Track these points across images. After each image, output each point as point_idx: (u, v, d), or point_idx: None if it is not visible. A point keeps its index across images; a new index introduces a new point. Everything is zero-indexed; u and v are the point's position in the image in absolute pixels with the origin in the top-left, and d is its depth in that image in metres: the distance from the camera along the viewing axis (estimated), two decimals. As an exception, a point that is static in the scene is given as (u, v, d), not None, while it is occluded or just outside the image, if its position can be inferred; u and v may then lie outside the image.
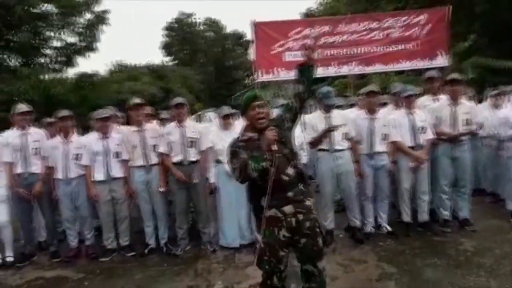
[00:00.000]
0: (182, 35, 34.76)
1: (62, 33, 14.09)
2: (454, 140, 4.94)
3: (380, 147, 4.94)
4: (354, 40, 9.38)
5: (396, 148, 4.97)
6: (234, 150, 2.82)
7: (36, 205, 5.14)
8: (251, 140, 2.80)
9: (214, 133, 5.18)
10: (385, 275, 3.97)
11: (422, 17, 9.27)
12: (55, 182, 5.02)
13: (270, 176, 2.66)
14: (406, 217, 5.01)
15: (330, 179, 4.83)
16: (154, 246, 5.07)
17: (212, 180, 4.98)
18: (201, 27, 36.30)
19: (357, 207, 5.02)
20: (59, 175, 4.96)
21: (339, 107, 5.63)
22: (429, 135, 4.92)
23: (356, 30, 9.36)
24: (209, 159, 5.02)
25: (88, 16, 14.21)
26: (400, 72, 12.55)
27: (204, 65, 34.35)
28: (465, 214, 5.06)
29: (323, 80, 12.83)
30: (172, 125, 5.04)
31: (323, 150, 4.82)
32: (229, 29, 37.00)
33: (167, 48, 35.23)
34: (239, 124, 5.13)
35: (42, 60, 14.42)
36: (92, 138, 5.11)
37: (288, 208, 2.78)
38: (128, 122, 5.56)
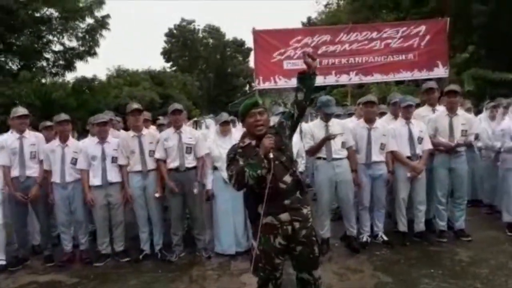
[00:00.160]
0: (182, 42, 34.95)
1: (62, 37, 14.18)
2: (451, 151, 4.96)
3: (377, 156, 4.95)
4: (354, 49, 9.40)
5: (394, 158, 4.99)
6: (232, 156, 2.82)
7: (31, 209, 5.11)
8: (249, 146, 2.81)
9: (211, 140, 5.19)
10: (380, 284, 3.95)
11: (422, 28, 9.30)
12: (51, 186, 5.01)
13: (267, 183, 2.66)
14: (402, 227, 5.01)
15: (328, 188, 4.83)
16: (149, 252, 5.04)
17: (209, 186, 4.98)
18: (202, 34, 36.52)
19: (354, 216, 5.02)
20: (56, 179, 4.95)
21: (338, 116, 5.65)
22: (427, 145, 4.94)
23: (356, 40, 9.40)
24: (206, 166, 5.01)
25: (89, 21, 14.31)
26: (399, 82, 12.60)
27: (204, 72, 34.52)
28: (461, 225, 5.07)
29: (322, 88, 12.90)
30: (169, 131, 5.05)
31: (322, 158, 4.83)
32: (229, 36, 37.22)
33: (167, 54, 35.41)
34: (237, 131, 5.17)
35: (42, 64, 14.49)
36: (89, 143, 5.11)
37: (285, 216, 2.77)
38: (126, 127, 5.57)
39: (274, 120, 3.74)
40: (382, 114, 5.55)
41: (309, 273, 2.89)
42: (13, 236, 5.18)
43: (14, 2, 12.49)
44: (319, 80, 9.55)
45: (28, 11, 12.97)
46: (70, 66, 14.64)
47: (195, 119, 8.85)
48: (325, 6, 26.64)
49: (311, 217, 2.89)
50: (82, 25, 14.35)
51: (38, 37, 14.07)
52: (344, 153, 4.84)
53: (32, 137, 5.10)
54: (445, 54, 9.33)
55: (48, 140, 5.23)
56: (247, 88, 35.32)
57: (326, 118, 4.83)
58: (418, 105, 5.42)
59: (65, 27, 14.06)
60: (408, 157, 4.92)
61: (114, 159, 4.98)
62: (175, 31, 35.84)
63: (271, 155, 2.68)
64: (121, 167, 5.00)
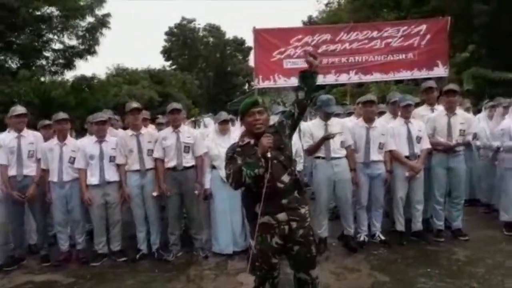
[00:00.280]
0: (182, 40, 34.96)
1: (63, 35, 14.17)
2: (449, 150, 4.94)
3: (376, 156, 4.94)
4: (354, 48, 9.37)
5: (392, 157, 4.98)
6: (231, 155, 2.82)
7: (27, 208, 5.10)
8: (248, 145, 2.80)
9: (210, 138, 5.18)
10: (377, 284, 3.95)
11: (422, 28, 9.27)
12: (49, 185, 5.00)
13: (264, 182, 2.65)
14: (400, 226, 5.00)
15: (326, 187, 4.82)
16: (146, 252, 5.03)
17: (206, 185, 4.97)
18: (202, 33, 36.53)
19: (352, 215, 5.01)
20: (53, 178, 4.94)
21: (337, 115, 5.64)
22: (425, 144, 4.93)
23: (356, 39, 9.37)
24: (205, 165, 5.00)
25: (89, 19, 14.29)
26: (399, 81, 12.58)
27: (204, 71, 34.54)
28: (459, 224, 5.06)
29: (321, 87, 12.88)
30: (167, 130, 5.05)
31: (321, 157, 4.82)
32: (230, 35, 37.21)
33: (167, 53, 35.41)
34: (236, 130, 5.16)
35: (42, 62, 14.48)
36: (88, 142, 5.11)
37: (282, 216, 2.77)
38: (125, 126, 5.57)
39: (273, 119, 3.73)
40: (381, 113, 5.54)
41: (307, 272, 2.90)
42: (9, 235, 5.16)
43: (15, 0, 12.48)
44: (319, 79, 9.51)
45: (28, 10, 12.95)
46: (69, 65, 14.61)
47: (193, 119, 8.84)
48: (326, 5, 26.63)
49: (308, 217, 2.89)
50: (83, 24, 14.32)
51: (38, 35, 14.05)
52: (343, 152, 4.83)
53: (30, 136, 5.08)
54: (445, 53, 9.30)
55: (46, 138, 5.22)
56: (246, 87, 35.33)
57: (326, 117, 4.82)
58: (417, 104, 5.41)
59: (65, 26, 14.04)
60: (407, 157, 4.91)
61: (112, 158, 4.97)
62: (175, 30, 35.84)
63: (269, 154, 2.67)
64: (119, 166, 4.99)
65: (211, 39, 36.63)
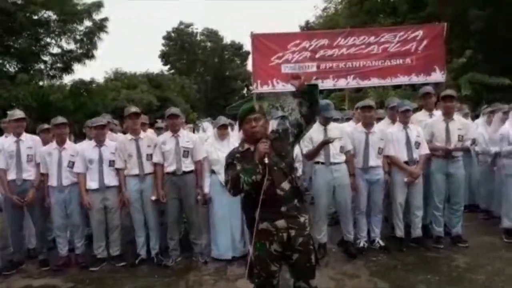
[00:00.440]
0: (180, 45, 35.01)
1: (60, 40, 14.18)
2: (448, 156, 4.96)
3: (374, 161, 4.95)
4: (351, 54, 9.42)
5: (391, 163, 4.99)
6: (230, 161, 2.80)
7: (26, 212, 5.07)
8: (248, 152, 2.79)
9: (209, 143, 5.18)
10: (377, 290, 3.94)
11: (419, 33, 9.34)
12: (48, 189, 4.98)
13: (261, 188, 2.64)
14: (399, 232, 5.00)
15: (325, 192, 4.82)
16: (145, 257, 5.01)
17: (206, 190, 4.96)
18: (200, 37, 36.60)
19: (351, 221, 5.01)
20: (53, 182, 4.92)
21: (336, 120, 5.65)
22: (424, 150, 4.94)
23: (353, 44, 9.42)
24: (204, 169, 5.00)
25: (87, 23, 14.31)
26: (397, 87, 12.64)
27: (202, 75, 34.57)
28: (458, 231, 5.06)
29: (320, 92, 12.93)
30: (166, 135, 5.04)
31: (320, 163, 4.83)
32: (228, 40, 37.30)
33: (165, 57, 35.45)
34: (234, 134, 5.16)
35: (40, 66, 14.47)
36: (87, 146, 5.09)
37: (281, 223, 2.74)
38: (124, 130, 5.56)
39: (273, 124, 3.72)
40: (378, 119, 5.55)
41: (306, 282, 2.85)
42: (8, 239, 5.14)
43: (13, 5, 12.49)
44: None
45: (26, 14, 12.95)
46: (68, 69, 14.64)
47: (194, 123, 8.82)
48: (323, 10, 26.72)
49: (308, 226, 2.86)
50: (80, 28, 14.36)
51: (36, 39, 14.06)
52: (343, 157, 4.84)
53: (29, 140, 5.07)
54: (443, 59, 9.36)
55: (45, 142, 5.21)
56: (245, 91, 35.39)
57: (325, 122, 4.83)
58: (415, 110, 5.43)
59: (63, 30, 14.07)
60: (405, 162, 4.92)
61: (111, 163, 4.96)
62: (173, 34, 35.90)
63: (266, 160, 2.66)
64: (118, 170, 4.98)
65: (209, 44, 36.71)
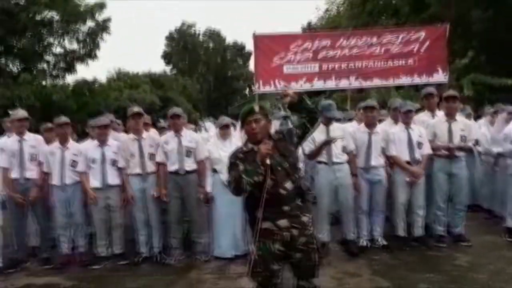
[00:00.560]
0: (183, 45, 35.07)
1: (63, 40, 14.22)
2: (451, 156, 4.95)
3: (376, 161, 4.96)
4: (353, 54, 9.44)
5: (393, 163, 4.99)
6: (233, 162, 2.81)
7: (29, 211, 5.09)
8: (251, 152, 2.80)
9: (211, 143, 5.19)
10: (378, 289, 3.94)
11: (421, 34, 9.34)
12: (50, 188, 5.00)
13: (264, 189, 2.65)
14: (401, 231, 5.00)
15: (328, 192, 4.83)
16: (147, 255, 5.02)
17: (208, 189, 4.97)
18: (202, 38, 36.65)
19: (353, 220, 5.01)
20: (55, 181, 4.95)
21: (338, 120, 5.66)
22: (426, 150, 4.94)
23: (356, 45, 9.44)
24: (206, 169, 5.01)
25: (90, 24, 14.35)
26: (399, 87, 12.64)
27: (204, 75, 34.60)
28: (460, 230, 5.06)
29: (322, 93, 12.93)
30: (169, 134, 5.06)
31: (322, 162, 4.83)
32: (230, 40, 37.34)
33: (168, 57, 35.51)
34: (236, 135, 5.16)
35: (43, 66, 14.52)
36: (89, 146, 5.12)
37: (283, 222, 2.75)
38: (126, 130, 5.58)
39: (275, 124, 3.72)
40: (380, 121, 5.54)
41: (308, 281, 2.86)
42: (11, 238, 5.15)
43: (16, 5, 12.55)
44: (319, 85, 9.62)
45: (29, 14, 13.01)
46: (70, 69, 14.68)
47: (199, 123, 8.80)
48: (325, 11, 26.70)
49: (311, 225, 2.86)
50: (83, 28, 14.39)
51: (39, 39, 14.10)
52: (345, 157, 4.85)
53: (32, 139, 5.11)
54: (445, 59, 9.36)
55: (48, 142, 5.24)
56: (247, 91, 35.41)
57: (327, 122, 4.84)
58: (418, 110, 5.43)
59: (66, 30, 14.11)
60: (407, 162, 4.92)
61: (113, 162, 4.98)
62: (175, 35, 35.97)
63: (268, 161, 2.67)
64: (121, 169, 5.00)
65: (211, 44, 36.77)
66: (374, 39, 9.38)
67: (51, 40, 14.44)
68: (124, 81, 19.35)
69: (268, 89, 9.46)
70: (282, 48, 9.36)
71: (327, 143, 4.67)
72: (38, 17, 13.69)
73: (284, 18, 63.35)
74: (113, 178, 4.97)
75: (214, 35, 36.77)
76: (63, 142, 5.03)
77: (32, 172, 4.99)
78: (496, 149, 5.50)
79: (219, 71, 35.34)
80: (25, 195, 4.90)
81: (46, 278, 4.68)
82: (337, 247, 5.07)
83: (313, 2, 34.31)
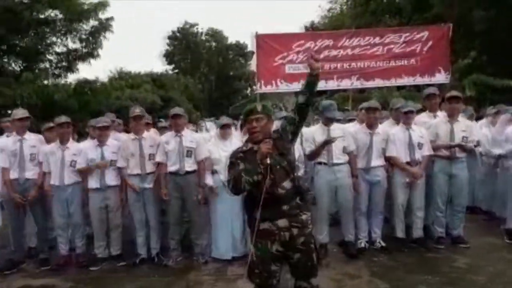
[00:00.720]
0: (185, 44, 35.10)
1: (66, 39, 14.22)
2: (451, 156, 4.92)
3: (376, 162, 4.93)
4: (356, 54, 9.41)
5: (393, 163, 4.97)
6: (233, 160, 2.81)
7: (28, 211, 5.09)
8: (251, 151, 2.80)
9: (212, 143, 5.18)
10: (377, 291, 3.93)
11: (424, 34, 9.30)
12: (50, 188, 4.99)
13: (263, 188, 2.64)
14: (400, 232, 4.99)
15: (327, 193, 4.82)
16: (145, 256, 5.01)
17: (210, 183, 4.90)
18: (204, 37, 36.66)
19: (352, 221, 4.99)
20: (55, 181, 4.93)
21: (338, 121, 5.64)
22: (427, 151, 4.92)
23: (358, 45, 9.40)
24: (206, 169, 4.99)
25: (93, 23, 14.34)
26: (401, 87, 12.60)
27: (206, 75, 34.61)
28: (459, 232, 5.04)
29: (323, 93, 12.90)
30: (169, 134, 5.05)
31: (322, 163, 4.82)
32: (232, 39, 37.34)
33: (169, 56, 35.53)
34: (237, 134, 5.16)
35: (45, 65, 14.52)
36: (89, 145, 5.11)
37: (282, 222, 2.75)
38: (127, 129, 5.57)
39: (277, 124, 3.72)
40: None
41: (307, 281, 2.86)
42: (8, 238, 5.16)
43: (18, 4, 12.54)
44: (321, 85, 9.58)
45: (32, 13, 13.01)
46: (72, 68, 14.68)
47: (200, 123, 8.80)
48: (328, 10, 26.67)
49: (310, 224, 2.85)
50: (86, 27, 14.38)
51: (41, 38, 14.08)
52: (345, 158, 4.83)
53: (32, 139, 5.10)
54: (447, 60, 9.32)
55: (49, 141, 5.22)
56: (248, 91, 35.40)
57: (328, 122, 4.82)
58: (419, 111, 5.40)
59: (68, 29, 14.08)
60: (407, 163, 4.90)
61: (112, 162, 4.97)
62: (177, 34, 35.98)
63: (267, 161, 2.66)
64: (120, 169, 4.99)
65: (213, 44, 36.77)
66: (377, 39, 9.35)
67: (53, 39, 14.44)
68: (125, 80, 19.37)
69: (269, 88, 9.45)
70: (284, 48, 9.34)
71: (327, 143, 4.66)
72: (41, 16, 13.69)
73: (286, 18, 63.37)
74: (111, 179, 4.96)
75: (216, 35, 36.78)
76: (63, 142, 5.02)
77: (31, 172, 4.99)
78: (497, 151, 5.47)
79: (220, 71, 35.35)
80: (24, 195, 4.89)
81: (44, 279, 4.67)
82: (336, 249, 5.06)
83: (315, 1, 34.21)
